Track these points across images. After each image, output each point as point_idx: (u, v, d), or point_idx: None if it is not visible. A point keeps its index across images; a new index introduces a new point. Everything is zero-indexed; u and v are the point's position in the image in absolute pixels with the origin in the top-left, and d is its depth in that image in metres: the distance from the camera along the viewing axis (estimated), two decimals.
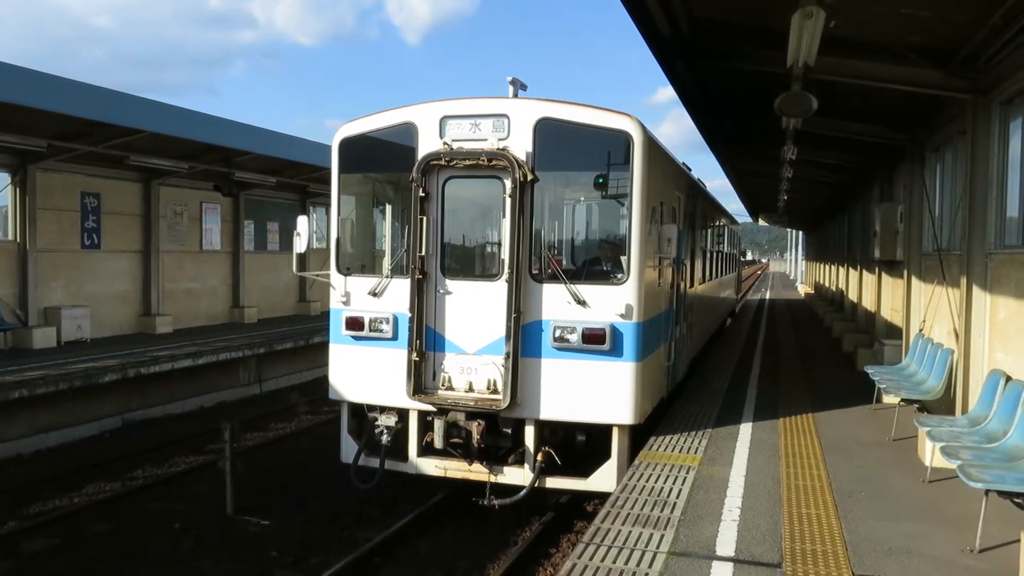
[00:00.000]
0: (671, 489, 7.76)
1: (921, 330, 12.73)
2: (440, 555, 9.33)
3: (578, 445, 9.28)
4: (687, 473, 8.30)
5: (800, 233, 72.39)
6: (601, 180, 9.39)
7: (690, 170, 14.49)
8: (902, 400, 10.38)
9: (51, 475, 12.71)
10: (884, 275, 18.33)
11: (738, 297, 35.49)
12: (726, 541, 6.45)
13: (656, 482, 7.99)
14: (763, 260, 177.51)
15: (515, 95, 9.64)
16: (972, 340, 9.45)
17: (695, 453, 9.14)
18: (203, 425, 15.98)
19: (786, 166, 16.65)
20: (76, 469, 13.04)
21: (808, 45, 7.53)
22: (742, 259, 43.03)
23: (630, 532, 6.59)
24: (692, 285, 14.28)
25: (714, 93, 12.92)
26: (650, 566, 5.91)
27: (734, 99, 13.26)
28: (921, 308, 13.11)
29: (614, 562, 5.99)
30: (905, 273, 14.31)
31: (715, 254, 19.63)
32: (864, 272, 22.23)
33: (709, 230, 17.90)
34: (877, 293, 19.21)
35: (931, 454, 8.22)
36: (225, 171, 21.83)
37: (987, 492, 6.42)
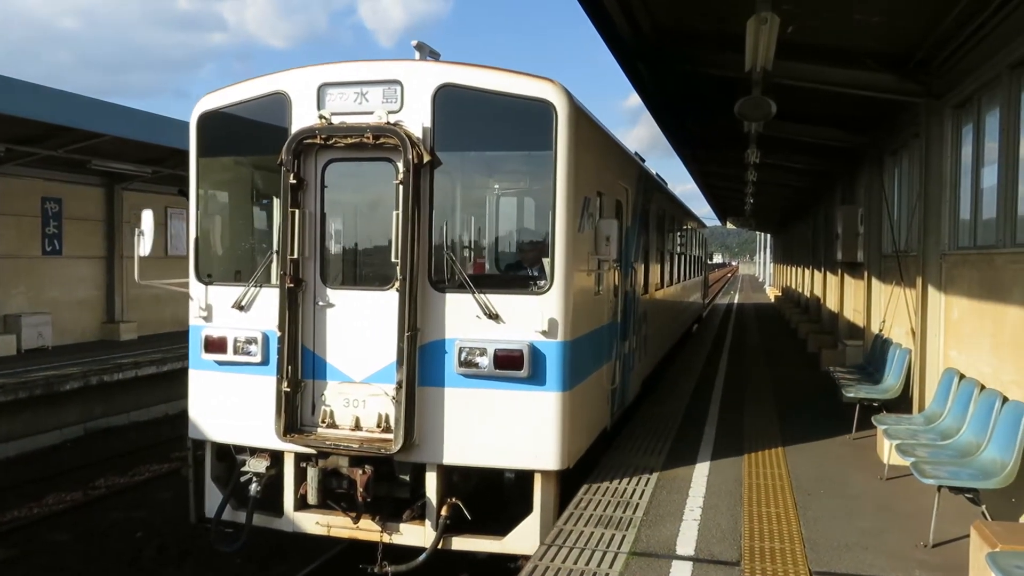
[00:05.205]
0: (634, 490, 7.81)
1: (881, 330, 12.95)
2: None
3: (506, 482, 7.70)
4: (650, 474, 8.35)
5: (768, 236, 73.22)
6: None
7: (644, 161, 13.14)
8: (863, 399, 10.54)
9: (10, 485, 12.50)
10: (846, 276, 18.60)
11: (705, 302, 34.64)
12: (687, 540, 6.51)
13: (619, 483, 8.03)
14: (733, 263, 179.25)
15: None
16: (928, 339, 9.63)
17: (657, 455, 9.19)
18: (168, 432, 15.80)
19: (751, 169, 16.85)
20: (36, 479, 12.86)
21: (765, 50, 7.63)
22: (709, 262, 42.32)
23: (592, 533, 6.62)
24: (647, 291, 12.89)
25: (677, 96, 13.04)
26: (611, 566, 5.95)
27: (697, 102, 13.38)
28: (881, 309, 13.33)
29: (575, 563, 6.02)
30: (866, 274, 14.56)
31: (677, 256, 18.45)
32: (828, 274, 22.56)
33: (668, 230, 16.42)
34: (840, 294, 19.49)
35: (889, 452, 8.35)
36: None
37: (939, 488, 6.57)
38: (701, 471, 8.53)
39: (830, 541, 6.53)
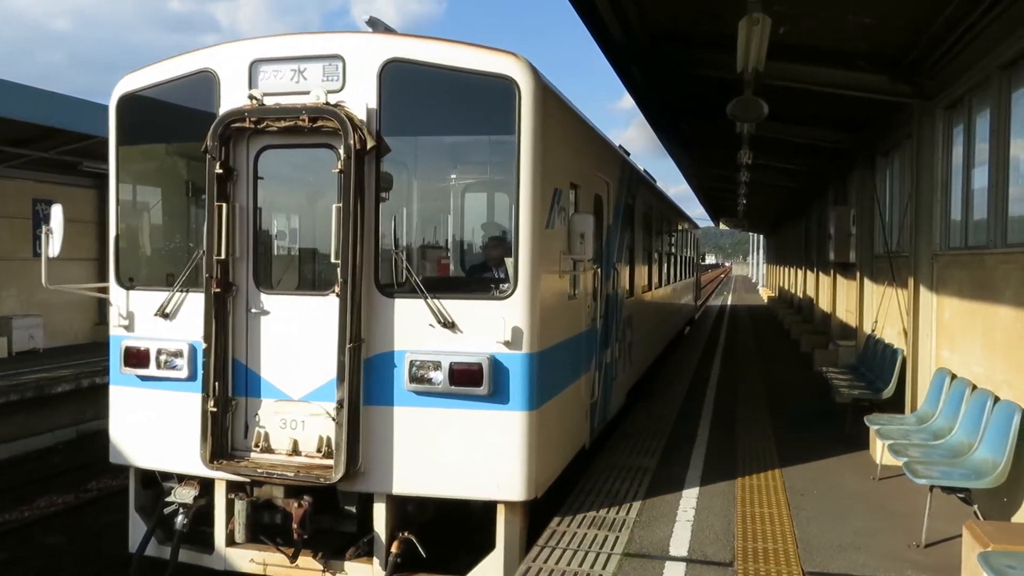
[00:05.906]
0: (627, 491, 7.81)
1: (873, 330, 12.99)
2: None
3: (472, 507, 6.83)
4: (643, 475, 8.36)
5: (761, 237, 73.42)
6: None
7: (628, 155, 12.30)
8: (855, 399, 10.58)
9: (4, 488, 12.45)
10: (839, 277, 18.67)
11: (697, 304, 33.90)
12: (680, 541, 6.52)
13: (612, 484, 8.04)
14: (726, 264, 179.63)
15: None
16: (920, 340, 9.66)
17: (651, 455, 9.20)
18: None
19: (743, 170, 16.89)
20: (29, 481, 12.80)
21: (757, 51, 7.66)
22: (701, 263, 41.42)
23: (585, 534, 6.62)
24: (632, 294, 12.14)
25: (670, 97, 13.07)
26: (604, 567, 5.96)
27: (690, 103, 13.42)
28: (873, 309, 13.38)
29: (568, 564, 6.02)
30: (858, 275, 14.61)
31: (666, 257, 17.79)
32: (820, 274, 22.62)
33: (657, 229, 15.61)
34: (832, 295, 19.56)
35: (881, 452, 8.39)
36: None
37: (932, 488, 6.59)
38: (694, 472, 8.54)
39: (823, 541, 6.54)
